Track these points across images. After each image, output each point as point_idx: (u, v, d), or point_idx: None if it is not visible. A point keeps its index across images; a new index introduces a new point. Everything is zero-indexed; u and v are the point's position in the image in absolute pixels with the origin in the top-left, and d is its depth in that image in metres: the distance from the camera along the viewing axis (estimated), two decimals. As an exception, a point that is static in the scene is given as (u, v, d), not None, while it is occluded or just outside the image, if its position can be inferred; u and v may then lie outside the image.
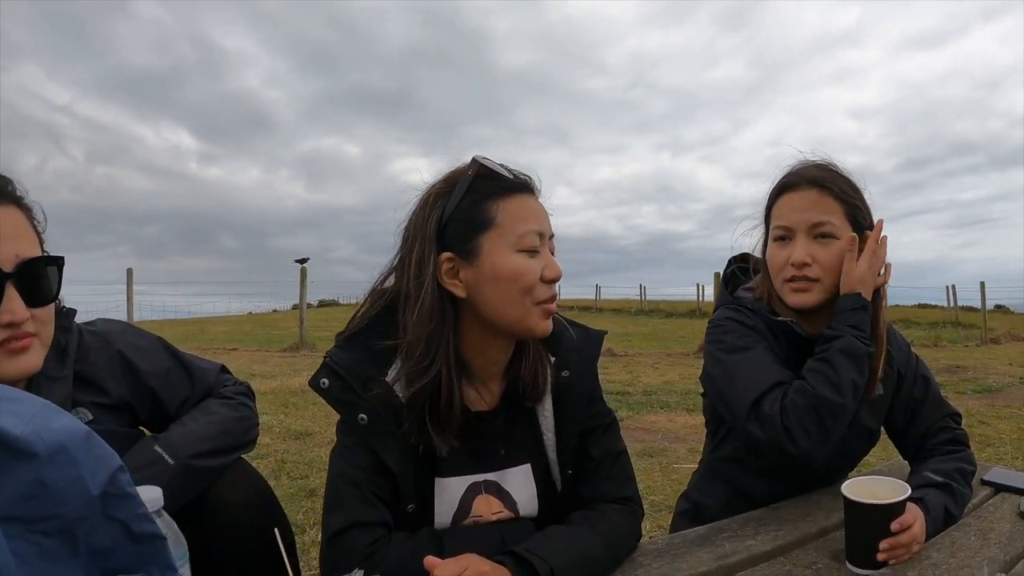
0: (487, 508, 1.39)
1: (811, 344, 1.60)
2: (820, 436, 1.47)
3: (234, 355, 12.66)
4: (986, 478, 1.83)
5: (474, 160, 1.31)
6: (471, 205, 1.29)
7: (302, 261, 14.48)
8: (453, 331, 1.32)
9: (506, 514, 1.40)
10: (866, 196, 1.67)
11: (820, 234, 1.61)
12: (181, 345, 1.66)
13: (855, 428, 1.67)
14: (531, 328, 1.32)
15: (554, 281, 1.33)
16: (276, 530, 1.22)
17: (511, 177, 1.32)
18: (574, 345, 1.47)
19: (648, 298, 33.68)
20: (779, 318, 1.64)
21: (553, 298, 1.34)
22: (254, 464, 1.55)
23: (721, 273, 1.90)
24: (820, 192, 1.62)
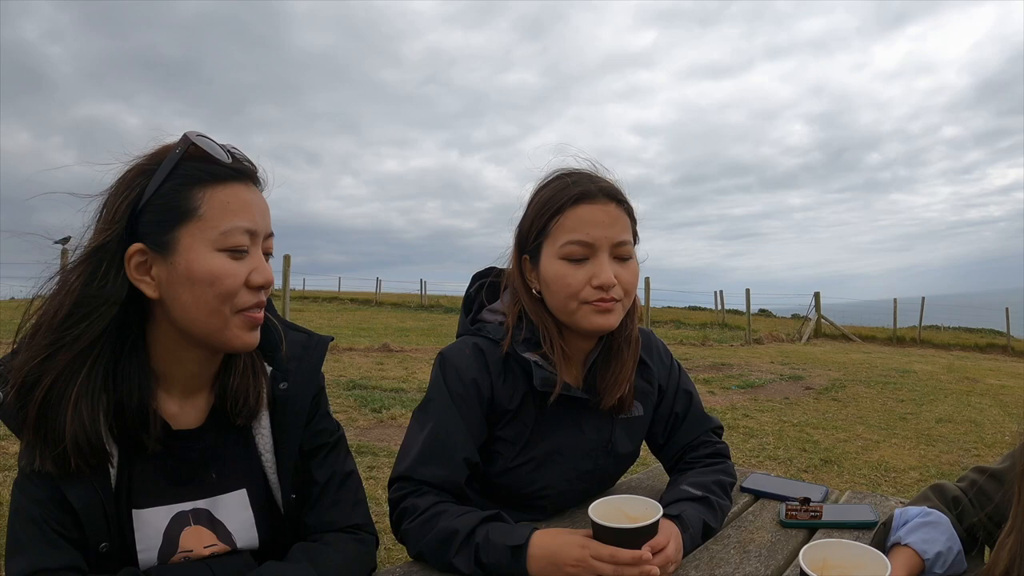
0: (197, 541, 1.22)
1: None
2: (432, 559, 1.37)
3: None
4: (745, 485, 1.86)
5: (185, 136, 1.13)
6: (173, 190, 1.11)
7: (63, 242, 13.19)
8: (136, 335, 1.15)
9: (220, 547, 1.24)
10: None
11: (620, 256, 1.49)
12: None
13: (612, 456, 1.64)
14: (229, 340, 1.16)
15: (262, 288, 1.17)
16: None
17: (228, 162, 1.14)
18: (294, 353, 1.32)
19: (429, 293, 33.67)
20: (524, 355, 1.50)
21: (260, 306, 1.19)
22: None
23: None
24: (618, 207, 1.49)
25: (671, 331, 19.55)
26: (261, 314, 1.19)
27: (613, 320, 1.49)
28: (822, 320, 22.49)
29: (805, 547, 1.13)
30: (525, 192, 1.59)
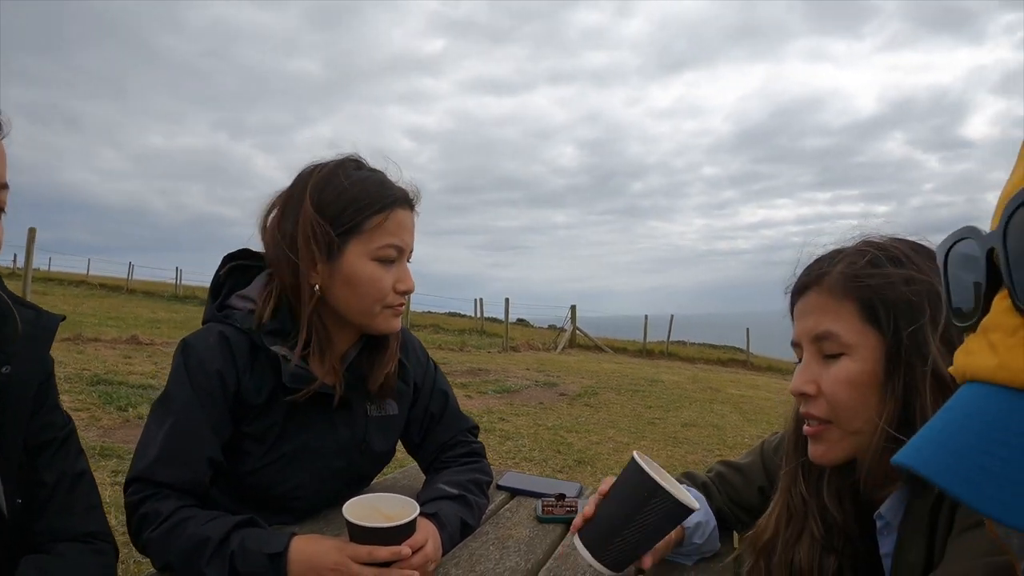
0: None
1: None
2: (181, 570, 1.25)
3: None
4: (501, 483, 1.88)
5: None
6: None
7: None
8: None
9: None
10: None
11: (409, 260, 1.50)
12: None
13: (367, 457, 1.59)
14: None
15: None
16: None
17: None
18: (19, 333, 1.14)
19: (184, 283, 31.45)
20: (273, 348, 1.41)
21: None
22: None
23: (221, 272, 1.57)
24: (413, 215, 1.50)
25: (430, 335, 19.67)
26: None
27: (399, 323, 1.52)
28: (577, 331, 23.55)
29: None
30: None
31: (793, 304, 1.15)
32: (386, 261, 1.43)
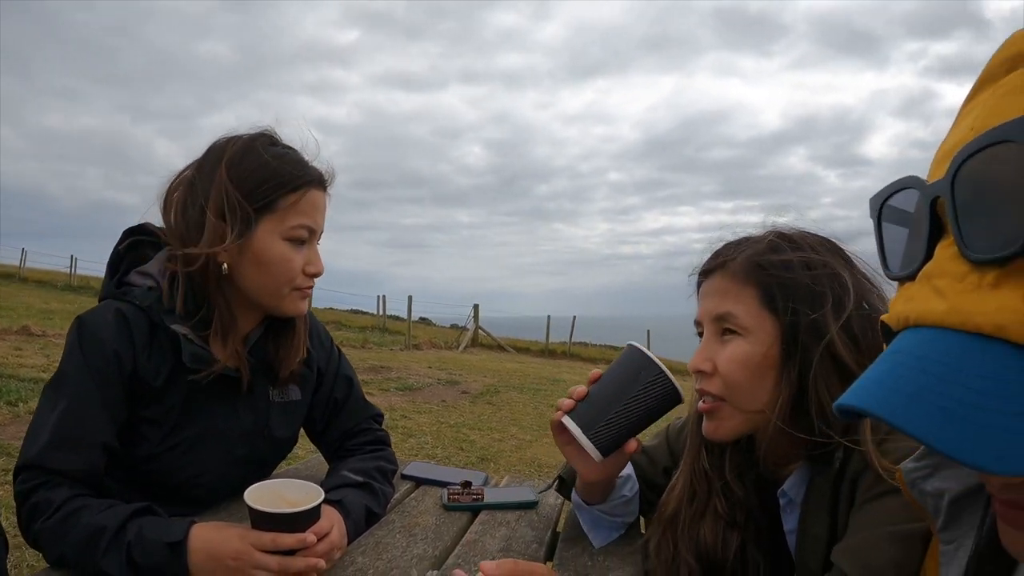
0: None
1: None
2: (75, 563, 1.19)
3: None
4: (405, 472, 1.87)
5: None
6: None
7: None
8: None
9: None
10: None
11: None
12: None
13: (269, 443, 1.55)
14: None
15: None
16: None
17: None
18: None
19: (79, 272, 29.96)
20: (174, 326, 1.36)
21: None
22: None
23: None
24: (326, 197, 1.47)
25: (332, 332, 19.34)
26: None
27: (305, 308, 1.50)
28: (480, 330, 23.60)
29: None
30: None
31: (699, 285, 1.19)
32: (297, 242, 1.39)
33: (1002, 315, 0.40)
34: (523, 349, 24.09)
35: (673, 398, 1.23)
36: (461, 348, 21.16)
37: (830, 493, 1.09)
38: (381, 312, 26.25)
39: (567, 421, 1.23)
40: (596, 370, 1.29)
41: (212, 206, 1.34)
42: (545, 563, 1.32)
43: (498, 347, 23.20)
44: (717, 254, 1.17)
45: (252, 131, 1.43)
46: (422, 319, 31.06)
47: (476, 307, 23.68)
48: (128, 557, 1.14)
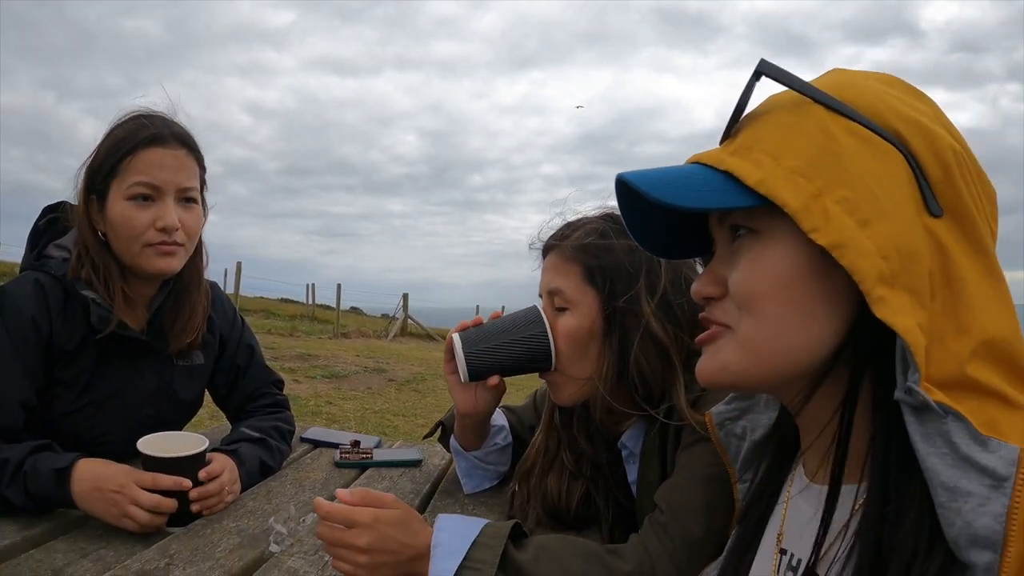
0: None
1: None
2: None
3: None
4: (305, 436, 2.05)
5: None
6: None
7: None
8: None
9: None
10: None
11: (186, 199, 1.55)
12: None
13: (173, 404, 1.68)
14: None
15: None
16: None
17: None
18: None
19: (4, 259, 28.64)
20: (84, 292, 1.49)
21: None
22: None
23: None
24: (188, 153, 1.55)
25: (261, 320, 19.15)
26: None
27: (175, 264, 1.54)
28: (409, 320, 23.59)
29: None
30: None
31: (543, 259, 1.36)
32: (140, 199, 1.49)
33: (724, 162, 0.68)
34: (453, 339, 24.09)
35: (545, 358, 1.31)
36: (390, 337, 21.15)
37: (658, 442, 1.27)
38: (311, 301, 26.07)
39: (455, 337, 1.37)
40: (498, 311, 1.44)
41: (84, 181, 1.52)
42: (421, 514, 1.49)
43: (427, 336, 23.22)
44: (555, 234, 1.34)
45: (127, 112, 1.56)
46: (353, 309, 30.84)
47: (405, 296, 23.66)
48: (24, 486, 1.28)
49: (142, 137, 1.49)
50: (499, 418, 1.64)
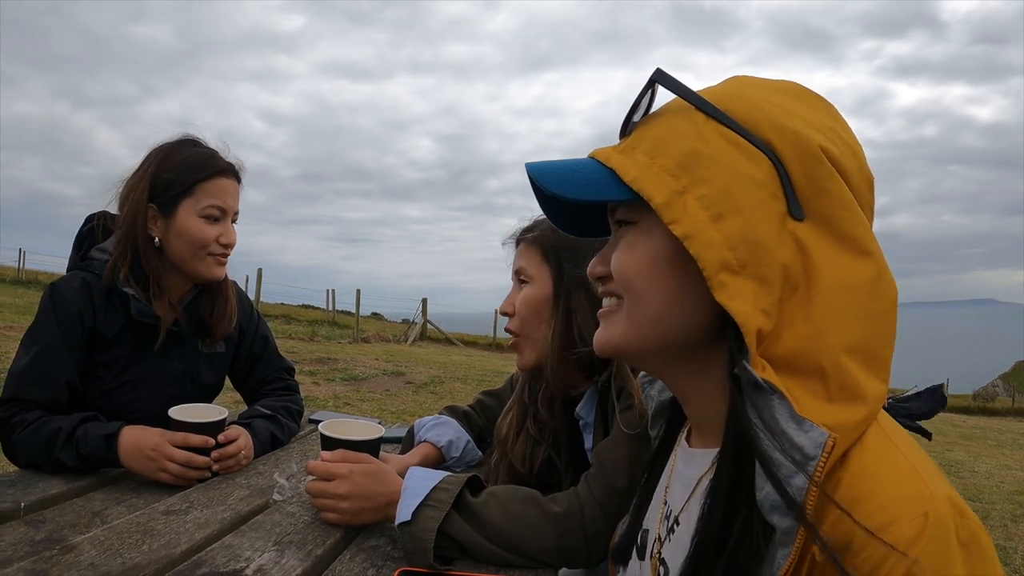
0: None
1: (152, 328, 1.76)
2: (41, 460, 1.56)
3: None
4: (312, 417, 2.31)
5: None
6: None
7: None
8: None
9: None
10: None
11: (234, 221, 1.85)
12: None
13: (197, 386, 1.91)
14: None
15: None
16: None
17: None
18: None
19: (28, 267, 29.10)
20: (124, 289, 1.73)
21: None
22: None
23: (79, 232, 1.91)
24: (239, 184, 1.86)
25: (281, 325, 19.42)
26: None
27: (225, 272, 1.86)
28: (428, 324, 23.82)
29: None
30: (146, 149, 1.82)
31: (516, 249, 1.60)
32: (211, 218, 1.77)
33: (611, 159, 0.78)
34: (471, 343, 24.49)
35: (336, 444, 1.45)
36: (409, 341, 21.38)
37: (601, 414, 1.48)
38: (331, 307, 26.36)
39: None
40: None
41: (139, 195, 1.74)
42: None
43: (446, 341, 23.42)
44: (525, 228, 1.58)
45: (179, 136, 1.83)
46: (374, 314, 31.16)
47: (424, 301, 23.90)
48: (76, 450, 1.52)
49: (218, 167, 1.80)
50: (444, 433, 1.79)
